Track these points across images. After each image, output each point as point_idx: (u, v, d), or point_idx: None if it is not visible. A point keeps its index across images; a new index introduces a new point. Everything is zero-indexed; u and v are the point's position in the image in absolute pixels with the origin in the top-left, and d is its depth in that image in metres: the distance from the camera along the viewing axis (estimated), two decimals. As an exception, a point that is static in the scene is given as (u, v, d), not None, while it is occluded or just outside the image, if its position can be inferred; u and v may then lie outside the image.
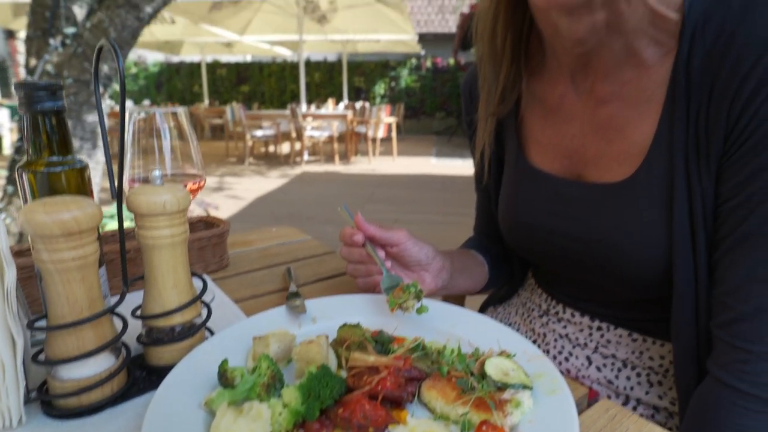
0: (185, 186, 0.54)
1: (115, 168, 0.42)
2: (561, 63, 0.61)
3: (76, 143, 2.60)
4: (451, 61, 13.04)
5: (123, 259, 0.44)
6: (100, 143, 2.68)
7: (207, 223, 0.81)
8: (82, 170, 0.45)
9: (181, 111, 0.56)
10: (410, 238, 0.62)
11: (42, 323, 0.41)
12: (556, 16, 0.52)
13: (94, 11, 2.43)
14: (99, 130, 2.61)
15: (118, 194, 0.42)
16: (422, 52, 11.60)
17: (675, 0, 0.52)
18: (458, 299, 0.94)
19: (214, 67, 13.92)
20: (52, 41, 2.40)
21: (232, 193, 5.43)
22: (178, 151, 0.57)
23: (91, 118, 2.53)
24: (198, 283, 0.51)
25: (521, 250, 0.72)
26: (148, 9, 2.44)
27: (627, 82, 0.56)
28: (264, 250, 0.88)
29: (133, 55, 14.21)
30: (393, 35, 8.92)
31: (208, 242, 0.72)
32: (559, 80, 0.63)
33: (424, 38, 14.39)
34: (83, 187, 0.45)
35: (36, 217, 0.37)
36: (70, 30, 2.40)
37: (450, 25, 14.93)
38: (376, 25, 8.48)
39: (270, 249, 0.88)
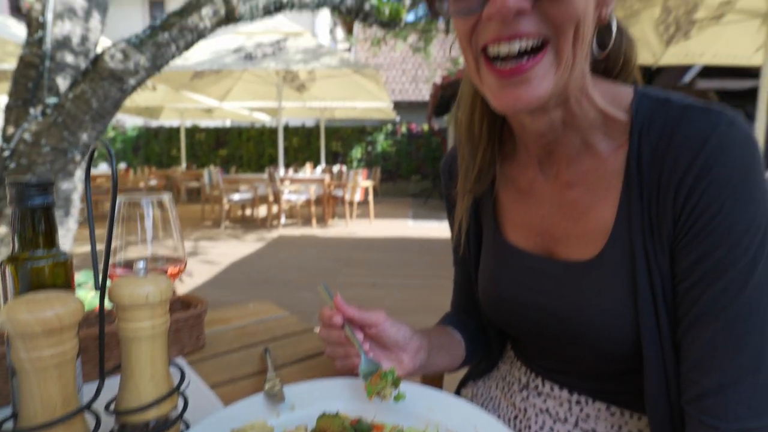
0: (167, 271, 0.55)
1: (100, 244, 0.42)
2: (529, 151, 0.67)
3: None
4: (425, 127, 13.57)
5: (101, 357, 0.44)
6: (73, 211, 2.65)
7: (184, 302, 0.80)
8: (66, 263, 0.46)
9: (166, 197, 0.58)
10: (388, 319, 0.64)
11: (9, 424, 0.40)
12: (518, 115, 0.57)
13: (77, 82, 2.48)
14: (73, 197, 2.59)
15: (101, 292, 0.42)
16: (397, 118, 12.08)
17: (624, 103, 0.59)
18: (438, 375, 0.94)
19: (193, 131, 14.12)
20: (32, 110, 2.42)
21: (207, 258, 5.35)
22: (161, 236, 0.58)
23: (66, 185, 2.51)
24: (175, 372, 0.51)
25: (500, 323, 0.74)
26: (132, 81, 2.51)
27: (587, 170, 0.62)
28: (241, 328, 0.87)
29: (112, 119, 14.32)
30: (369, 103, 9.29)
31: (185, 324, 0.71)
32: (528, 165, 0.69)
33: (398, 105, 15.03)
34: (66, 280, 0.46)
35: (18, 315, 0.37)
36: (51, 100, 2.44)
37: (423, 93, 15.69)
38: (352, 93, 8.85)
39: (247, 327, 0.87)
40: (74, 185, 2.57)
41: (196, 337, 0.75)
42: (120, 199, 0.54)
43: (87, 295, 2.57)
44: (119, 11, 15.54)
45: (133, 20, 15.89)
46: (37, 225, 0.43)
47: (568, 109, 0.57)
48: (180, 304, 0.82)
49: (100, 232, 0.39)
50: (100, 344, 0.43)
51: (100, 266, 0.44)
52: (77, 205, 2.67)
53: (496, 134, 0.69)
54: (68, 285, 0.46)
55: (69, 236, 2.72)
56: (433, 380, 0.96)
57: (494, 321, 0.76)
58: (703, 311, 0.51)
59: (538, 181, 0.67)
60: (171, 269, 0.57)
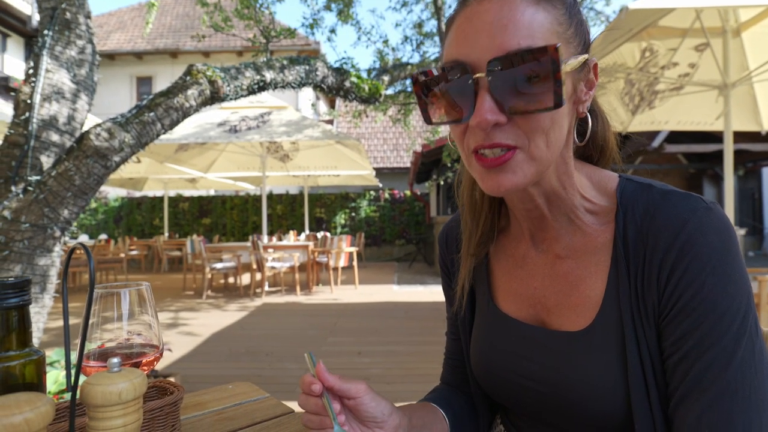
0: (141, 361, 0.55)
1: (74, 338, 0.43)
2: (522, 226, 0.71)
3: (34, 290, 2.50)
4: (408, 192, 13.85)
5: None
6: (49, 287, 2.59)
7: (160, 388, 0.78)
8: (38, 361, 0.45)
9: (145, 287, 0.59)
10: (369, 392, 0.63)
11: None
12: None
13: (61, 160, 2.52)
14: (50, 272, 2.54)
15: (72, 392, 0.42)
16: (380, 185, 12.33)
17: (609, 187, 0.65)
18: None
19: (176, 200, 14.16)
20: (14, 188, 2.43)
21: (187, 330, 5.19)
22: (137, 323, 0.58)
23: (43, 261, 2.47)
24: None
25: (491, 392, 0.74)
26: (116, 158, 2.55)
27: (577, 244, 0.65)
28: (219, 413, 0.84)
29: (95, 190, 14.32)
30: (352, 170, 9.51)
31: (160, 412, 0.69)
32: (521, 239, 0.72)
33: (381, 172, 15.41)
34: (38, 377, 0.45)
35: (-15, 422, 0.36)
36: (34, 178, 2.45)
37: (404, 160, 16.15)
38: (335, 162, 9.07)
39: (225, 412, 0.85)
40: (52, 261, 2.53)
41: (171, 426, 0.72)
42: (97, 290, 0.55)
43: (59, 375, 2.45)
44: (107, 88, 16.04)
45: (120, 96, 16.37)
46: (11, 325, 0.44)
47: (551, 193, 0.62)
48: (156, 391, 0.80)
49: (75, 322, 0.40)
50: (69, 446, 0.42)
51: (74, 359, 0.44)
52: (53, 280, 2.61)
53: (496, 205, 0.74)
54: (40, 382, 0.45)
55: (44, 312, 2.64)
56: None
57: (485, 390, 0.75)
58: (690, 387, 0.53)
59: (531, 254, 0.70)
60: (146, 359, 0.56)
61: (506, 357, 0.69)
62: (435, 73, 0.56)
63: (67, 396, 0.57)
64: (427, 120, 0.59)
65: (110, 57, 16.24)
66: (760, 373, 0.52)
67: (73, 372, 0.43)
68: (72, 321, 5.10)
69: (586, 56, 0.56)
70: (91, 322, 0.55)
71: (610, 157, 0.72)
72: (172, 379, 0.82)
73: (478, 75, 0.52)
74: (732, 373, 0.51)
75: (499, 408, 0.83)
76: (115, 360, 0.45)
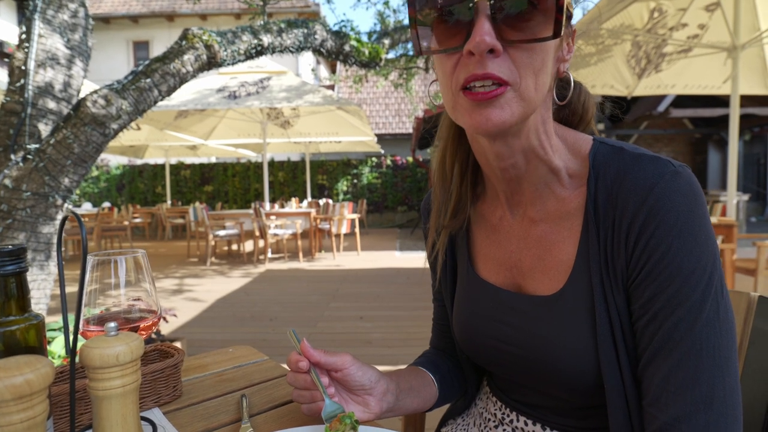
0: (140, 326, 0.56)
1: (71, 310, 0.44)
2: (497, 191, 0.71)
3: (29, 255, 2.54)
4: (410, 159, 13.77)
5: (72, 419, 0.45)
6: (53, 254, 2.62)
7: (162, 351, 0.81)
8: (38, 325, 0.47)
9: (141, 254, 0.60)
10: (354, 363, 0.66)
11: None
12: (482, 141, 0.62)
13: (59, 128, 2.50)
14: (53, 240, 2.57)
15: (71, 355, 0.44)
16: (382, 151, 12.25)
17: (582, 150, 0.65)
18: (419, 414, 0.95)
19: (178, 168, 14.13)
20: (13, 157, 2.43)
21: (192, 296, 5.28)
22: (135, 290, 0.59)
23: (46, 229, 2.50)
24: (148, 427, 0.52)
25: (474, 357, 0.77)
26: (114, 126, 2.53)
27: (550, 208, 0.66)
28: (219, 374, 0.87)
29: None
30: (353, 137, 9.43)
31: (161, 374, 0.72)
32: (497, 204, 0.73)
33: (383, 138, 15.26)
34: (39, 341, 0.47)
35: (-13, 382, 0.38)
36: (33, 146, 2.45)
37: (407, 126, 15.97)
38: (337, 128, 8.99)
39: (225, 374, 0.88)
40: (55, 229, 2.55)
41: (172, 387, 0.75)
42: (92, 257, 0.56)
43: (61, 342, 2.53)
44: (103, 53, 15.75)
45: (117, 61, 16.09)
46: (9, 292, 0.45)
47: (529, 151, 0.62)
48: (157, 354, 0.82)
49: (72, 290, 0.41)
50: (71, 406, 0.44)
51: (71, 325, 0.46)
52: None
53: (468, 175, 0.74)
54: (41, 346, 0.47)
55: (50, 279, 2.68)
56: (415, 419, 0.97)
57: (468, 355, 0.78)
58: (658, 348, 0.55)
59: (507, 219, 0.71)
60: (144, 324, 0.58)
61: (485, 323, 0.71)
62: None
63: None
64: (418, 49, 0.58)
65: (105, 21, 15.87)
66: (724, 332, 0.54)
67: (71, 337, 0.45)
68: (74, 288, 5.17)
69: (572, 15, 0.56)
70: (90, 288, 0.57)
71: (589, 125, 0.73)
72: (177, 344, 0.85)
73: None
74: (698, 332, 0.53)
75: (485, 371, 0.85)
76: (112, 324, 0.46)
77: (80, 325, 0.54)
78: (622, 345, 0.58)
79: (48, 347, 1.75)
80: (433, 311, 0.91)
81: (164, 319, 2.91)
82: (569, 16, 0.57)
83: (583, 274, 0.61)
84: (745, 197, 9.03)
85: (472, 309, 0.74)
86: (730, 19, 3.70)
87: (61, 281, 0.44)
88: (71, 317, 1.26)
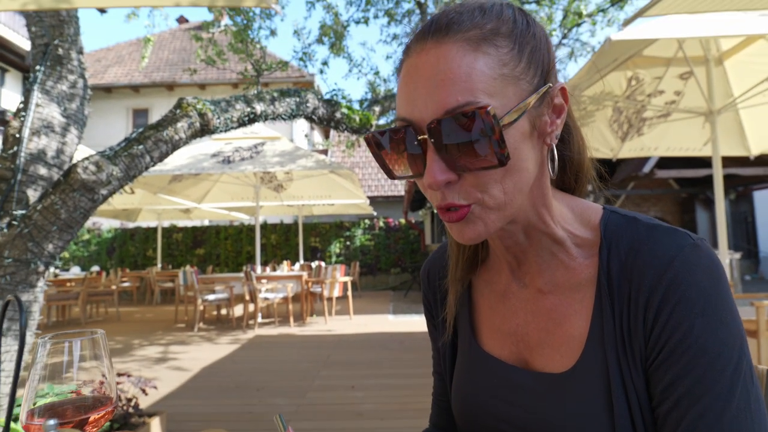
0: (90, 417, 0.51)
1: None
2: (502, 260, 0.68)
3: (5, 324, 2.44)
4: (402, 221, 13.86)
5: None
6: (31, 323, 2.52)
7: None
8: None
9: (100, 334, 0.56)
10: None
11: None
12: None
13: (47, 193, 2.49)
14: (32, 308, 2.48)
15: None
16: (374, 213, 12.33)
17: (592, 220, 0.61)
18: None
19: (170, 231, 14.09)
20: (-2, 223, 2.40)
21: (177, 365, 5.07)
22: (89, 375, 0.55)
23: (26, 296, 2.42)
24: None
25: None
26: (103, 191, 2.53)
27: (560, 279, 0.62)
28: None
29: (89, 221, 14.27)
30: (346, 200, 9.52)
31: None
32: (502, 272, 0.69)
33: (375, 201, 15.46)
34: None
35: None
36: (19, 212, 2.42)
37: (399, 189, 16.22)
38: (329, 191, 9.09)
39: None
40: (35, 296, 2.47)
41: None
42: (44, 340, 0.52)
43: None
44: (103, 120, 16.18)
45: (116, 128, 16.50)
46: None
47: (530, 228, 0.60)
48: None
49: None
50: None
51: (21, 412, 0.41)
52: (36, 316, 2.55)
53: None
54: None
55: (25, 349, 2.57)
56: None
57: (465, 431, 0.71)
58: None
59: (513, 288, 0.67)
60: (96, 414, 0.53)
61: (487, 399, 0.65)
62: (383, 134, 0.55)
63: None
64: (390, 175, 0.58)
65: (107, 90, 16.43)
66: (757, 425, 0.48)
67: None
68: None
69: (545, 87, 0.53)
70: (39, 375, 0.52)
71: (587, 181, 0.68)
72: (155, 419, 0.77)
73: (422, 136, 0.51)
74: (727, 424, 0.48)
75: None
76: (51, 422, 0.41)
77: (23, 418, 0.49)
78: (642, 431, 0.52)
79: None
80: (433, 385, 0.85)
81: (143, 391, 2.75)
82: (545, 75, 0.55)
83: (597, 351, 0.56)
84: (737, 255, 9.08)
85: (472, 385, 0.68)
86: (704, 86, 3.88)
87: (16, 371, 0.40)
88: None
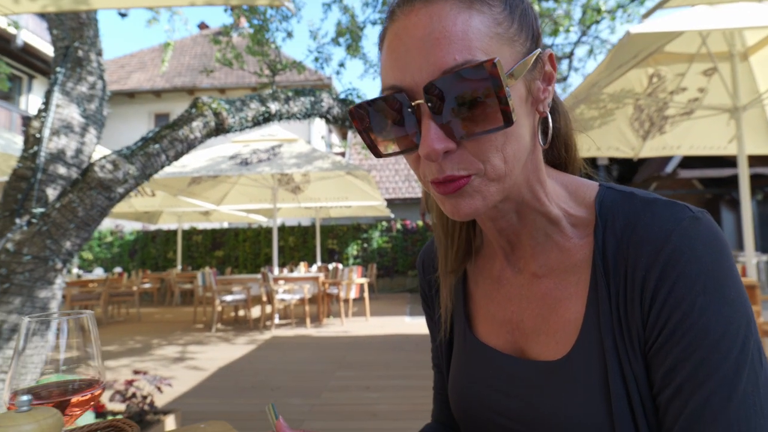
0: (72, 399, 0.50)
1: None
2: (495, 245, 0.65)
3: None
4: (420, 222, 13.80)
5: None
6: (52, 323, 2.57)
7: (116, 428, 0.73)
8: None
9: (86, 315, 0.54)
10: None
11: None
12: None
13: (65, 192, 2.54)
14: (50, 305, 2.52)
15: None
16: (392, 215, 12.30)
17: (587, 197, 0.58)
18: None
19: (190, 233, 14.30)
20: (18, 221, 2.45)
21: (194, 364, 5.11)
22: (76, 354, 0.54)
23: (44, 293, 2.46)
24: None
25: (467, 427, 0.67)
26: (120, 190, 2.56)
27: (554, 261, 0.58)
28: (184, 454, 0.78)
29: (111, 223, 14.58)
30: (363, 201, 9.53)
31: (110, 454, 0.64)
32: (496, 258, 0.66)
33: (392, 203, 15.42)
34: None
35: None
36: (38, 210, 2.47)
37: (416, 190, 16.16)
38: (346, 193, 9.11)
39: (191, 453, 0.79)
40: (53, 293, 2.51)
41: (125, 469, 0.66)
42: (28, 319, 0.51)
43: None
44: (126, 124, 16.52)
45: (139, 132, 16.82)
46: None
47: (524, 206, 0.56)
48: (111, 430, 0.74)
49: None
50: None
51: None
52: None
53: (463, 233, 0.68)
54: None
55: (46, 346, 2.61)
56: None
57: (463, 425, 0.68)
58: (686, 429, 0.45)
59: (507, 274, 0.64)
60: (80, 396, 0.51)
61: (483, 393, 0.63)
62: (370, 105, 0.50)
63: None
64: (376, 153, 0.54)
65: (130, 95, 16.79)
66: (766, 409, 0.44)
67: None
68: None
69: (537, 51, 0.50)
70: (21, 356, 0.51)
71: (577, 158, 0.64)
72: (170, 417, 0.76)
73: (417, 102, 0.47)
74: (734, 410, 0.44)
75: None
76: (25, 398, 0.40)
77: (6, 398, 0.48)
78: (643, 421, 0.49)
79: None
80: (433, 380, 0.82)
81: (158, 389, 2.77)
82: (536, 40, 0.52)
83: (594, 336, 0.53)
84: (765, 258, 8.78)
85: (468, 377, 0.65)
86: (728, 83, 3.76)
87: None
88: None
